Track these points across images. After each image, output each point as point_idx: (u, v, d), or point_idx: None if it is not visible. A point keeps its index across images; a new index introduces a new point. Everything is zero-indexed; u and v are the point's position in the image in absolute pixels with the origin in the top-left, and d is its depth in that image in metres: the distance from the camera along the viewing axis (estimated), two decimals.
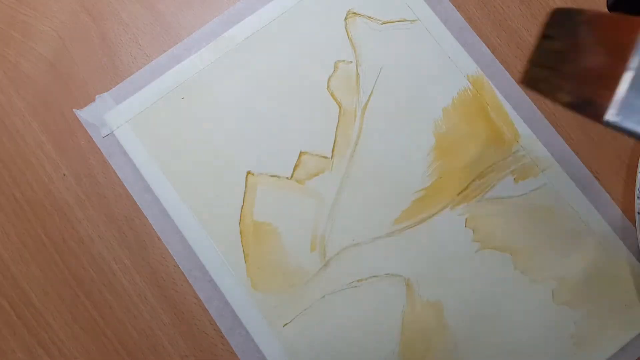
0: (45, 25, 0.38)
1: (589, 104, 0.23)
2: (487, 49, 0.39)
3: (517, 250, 0.36)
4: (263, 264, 0.35)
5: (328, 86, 0.38)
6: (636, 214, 0.35)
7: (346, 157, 0.37)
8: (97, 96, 0.37)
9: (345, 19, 0.39)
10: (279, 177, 0.36)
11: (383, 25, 0.39)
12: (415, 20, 0.39)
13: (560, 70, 0.24)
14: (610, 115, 0.22)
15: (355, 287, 0.35)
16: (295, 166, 0.37)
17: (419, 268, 0.36)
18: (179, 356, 0.35)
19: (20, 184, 0.36)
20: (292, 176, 0.36)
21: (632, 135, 0.22)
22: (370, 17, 0.39)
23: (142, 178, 0.36)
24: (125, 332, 0.35)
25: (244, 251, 0.35)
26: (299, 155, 0.37)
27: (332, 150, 0.37)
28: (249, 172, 0.36)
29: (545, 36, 0.25)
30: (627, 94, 0.22)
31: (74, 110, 0.37)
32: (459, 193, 0.37)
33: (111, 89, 0.37)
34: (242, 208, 0.36)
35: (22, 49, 0.38)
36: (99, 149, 0.37)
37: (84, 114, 0.37)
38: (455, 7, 0.39)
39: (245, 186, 0.36)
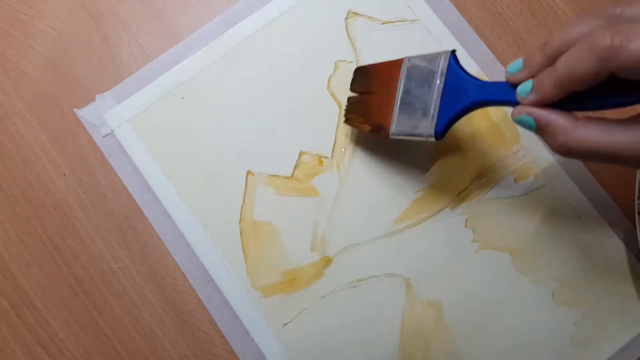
0: (45, 25, 0.38)
1: (381, 127, 0.33)
2: (488, 49, 0.39)
3: (517, 251, 0.36)
4: (263, 263, 0.35)
5: (328, 86, 0.38)
6: (636, 214, 0.35)
7: (346, 156, 0.37)
8: (97, 95, 0.37)
9: (346, 18, 0.39)
10: (279, 176, 0.36)
11: (383, 25, 0.39)
12: (416, 20, 0.39)
13: (361, 112, 0.35)
14: (392, 133, 0.32)
15: (355, 287, 0.35)
16: (296, 166, 0.37)
17: (418, 268, 0.36)
18: (178, 356, 0.35)
19: (20, 183, 0.36)
20: (292, 176, 0.36)
21: (410, 139, 0.31)
22: (370, 17, 0.39)
23: (142, 177, 0.36)
24: (125, 332, 0.35)
25: (244, 251, 0.35)
26: (299, 155, 0.37)
27: (332, 150, 0.37)
28: (249, 172, 0.36)
29: (351, 90, 0.36)
30: (397, 117, 0.32)
31: (74, 109, 0.37)
32: (459, 193, 0.37)
33: (111, 88, 0.37)
34: (242, 208, 0.36)
35: (22, 48, 0.38)
36: (99, 148, 0.37)
37: (84, 114, 0.37)
38: (456, 7, 0.39)
39: (245, 186, 0.36)
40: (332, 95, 0.38)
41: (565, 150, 0.25)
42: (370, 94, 0.34)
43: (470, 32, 0.39)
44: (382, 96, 0.33)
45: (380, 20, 0.39)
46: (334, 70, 0.38)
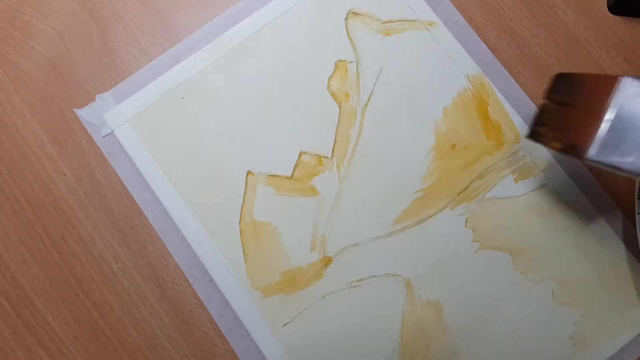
0: (45, 25, 0.38)
1: (573, 147, 0.29)
2: (487, 48, 0.39)
3: (516, 250, 0.36)
4: (263, 263, 0.35)
5: (328, 86, 0.38)
6: (636, 214, 0.35)
7: (346, 156, 0.37)
8: (97, 95, 0.37)
9: (346, 18, 0.39)
10: (279, 176, 0.36)
11: (383, 25, 0.39)
12: (415, 20, 0.39)
13: (554, 125, 0.31)
14: (590, 154, 0.28)
15: (355, 287, 0.35)
16: (296, 166, 0.37)
17: (418, 268, 0.36)
18: (178, 356, 0.35)
19: (20, 183, 0.36)
20: (292, 176, 0.37)
21: (609, 168, 0.28)
22: (370, 17, 0.39)
23: (142, 177, 0.36)
24: (125, 332, 0.35)
25: (244, 251, 0.35)
26: (299, 155, 0.37)
27: (332, 150, 0.37)
28: (249, 172, 0.36)
29: (547, 98, 0.32)
30: (604, 137, 0.28)
31: (74, 109, 0.37)
32: (459, 193, 0.37)
33: (111, 88, 0.37)
34: (242, 208, 0.36)
35: (23, 49, 0.38)
36: (99, 148, 0.37)
37: (84, 114, 0.37)
38: (456, 7, 0.39)
39: (245, 186, 0.36)
40: (332, 95, 0.38)
41: None
42: (570, 107, 0.30)
43: (470, 32, 0.39)
44: (584, 112, 0.29)
45: (380, 20, 0.39)
46: (334, 70, 0.38)
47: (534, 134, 0.32)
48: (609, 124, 0.28)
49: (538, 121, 0.32)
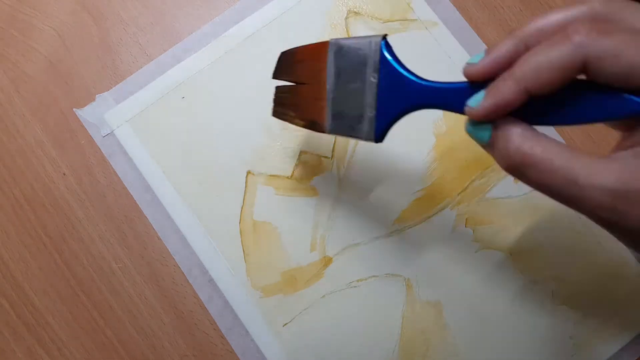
0: (45, 25, 0.38)
1: (315, 124, 0.29)
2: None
3: (516, 250, 0.36)
4: (263, 263, 0.35)
5: None
6: None
7: (346, 157, 0.37)
8: (97, 95, 0.37)
9: (346, 18, 0.39)
10: (279, 176, 0.36)
11: (384, 24, 0.39)
12: (416, 20, 0.39)
13: (293, 104, 0.30)
14: (328, 130, 0.28)
15: (355, 287, 0.35)
16: (296, 166, 0.37)
17: (418, 268, 0.36)
18: (178, 356, 0.35)
19: (20, 183, 0.36)
20: (292, 176, 0.36)
21: (350, 138, 0.28)
22: (370, 17, 0.39)
23: (142, 177, 0.36)
24: (125, 332, 0.35)
25: (244, 251, 0.35)
26: (299, 155, 0.37)
27: (332, 150, 0.37)
28: (249, 172, 0.36)
29: (276, 78, 0.31)
30: (331, 115, 0.28)
31: (74, 109, 0.37)
32: (459, 193, 0.37)
33: (111, 88, 0.37)
34: (242, 208, 0.36)
35: (23, 49, 0.38)
36: (99, 148, 0.37)
37: (84, 114, 0.37)
38: (456, 7, 0.39)
39: (246, 186, 0.36)
40: None
41: (517, 161, 0.21)
42: (300, 84, 0.30)
43: (470, 32, 0.39)
44: (313, 87, 0.29)
45: (380, 20, 0.39)
46: None
47: (276, 114, 0.31)
48: (330, 97, 0.27)
49: (277, 101, 0.31)
